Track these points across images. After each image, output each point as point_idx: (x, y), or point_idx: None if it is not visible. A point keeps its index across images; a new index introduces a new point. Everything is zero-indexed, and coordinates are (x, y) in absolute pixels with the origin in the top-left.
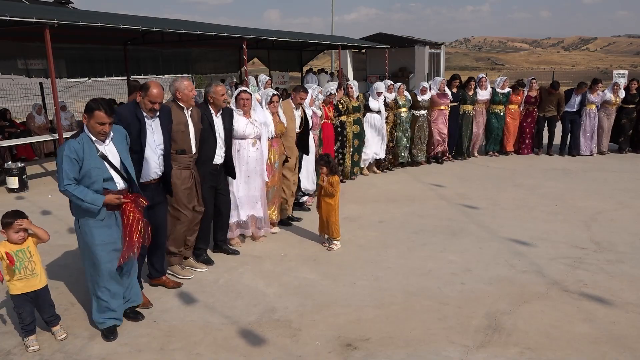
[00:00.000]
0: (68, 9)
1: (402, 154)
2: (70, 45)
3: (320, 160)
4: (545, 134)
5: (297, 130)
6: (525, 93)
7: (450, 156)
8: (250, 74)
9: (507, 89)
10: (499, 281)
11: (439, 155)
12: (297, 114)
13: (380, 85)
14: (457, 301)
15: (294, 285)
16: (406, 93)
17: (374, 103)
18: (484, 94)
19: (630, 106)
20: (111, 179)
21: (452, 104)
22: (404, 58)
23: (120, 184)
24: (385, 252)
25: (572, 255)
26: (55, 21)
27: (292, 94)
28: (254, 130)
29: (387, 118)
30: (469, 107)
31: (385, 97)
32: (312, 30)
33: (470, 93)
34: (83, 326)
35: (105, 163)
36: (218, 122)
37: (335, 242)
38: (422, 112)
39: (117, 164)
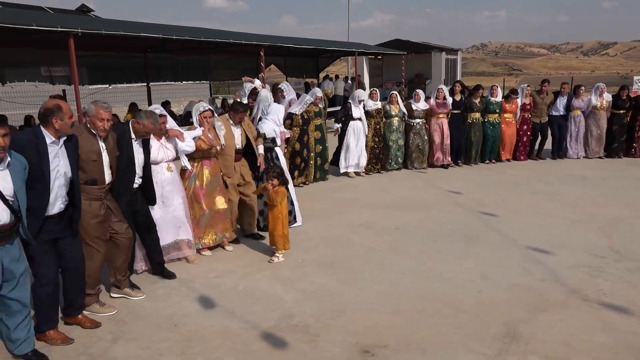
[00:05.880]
0: (90, 17)
1: (391, 162)
2: (92, 53)
3: (272, 172)
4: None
5: (239, 146)
6: (520, 101)
7: (460, 162)
8: (267, 80)
9: (499, 98)
10: (516, 289)
11: (443, 162)
12: (237, 130)
13: (361, 93)
14: (474, 308)
15: (310, 291)
16: (400, 103)
17: (356, 111)
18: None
19: (621, 111)
20: None
21: (455, 111)
22: (420, 64)
23: (4, 217)
24: (402, 258)
25: (592, 264)
26: (79, 30)
27: (230, 113)
28: (166, 155)
29: (368, 125)
30: (477, 115)
31: (364, 105)
32: (328, 36)
33: (477, 101)
34: (107, 329)
35: None
36: (137, 148)
37: (277, 254)
38: (418, 120)
39: (7, 194)
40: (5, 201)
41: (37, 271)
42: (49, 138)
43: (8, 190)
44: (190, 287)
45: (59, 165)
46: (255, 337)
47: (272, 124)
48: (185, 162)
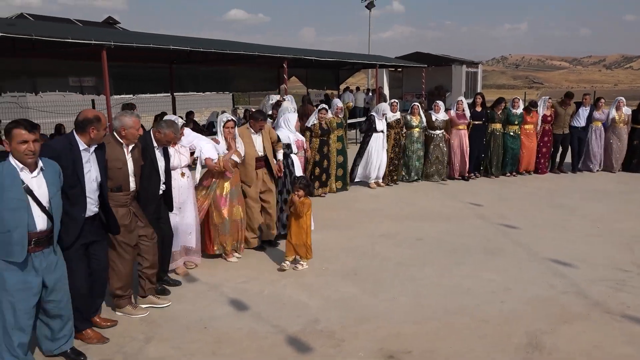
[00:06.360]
0: (118, 30)
1: (411, 173)
2: (117, 63)
3: (298, 183)
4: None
5: (260, 154)
6: (541, 113)
7: (476, 174)
8: (289, 91)
9: (520, 110)
10: (539, 301)
11: (462, 173)
12: (257, 138)
13: (385, 107)
14: (497, 319)
15: (335, 299)
16: (421, 114)
17: (379, 124)
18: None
19: None
20: (31, 216)
21: (477, 122)
22: (440, 77)
23: (41, 223)
24: (424, 269)
25: (614, 278)
26: (112, 43)
27: (250, 121)
28: (181, 161)
29: (388, 136)
30: (497, 126)
31: (386, 116)
32: (346, 48)
33: (499, 113)
34: (139, 330)
35: (29, 198)
36: (159, 155)
37: (302, 262)
38: (438, 131)
39: (43, 200)
40: (43, 208)
41: (71, 274)
42: (81, 145)
43: (44, 196)
44: (218, 291)
45: (91, 171)
46: (282, 340)
47: (286, 130)
48: (197, 174)
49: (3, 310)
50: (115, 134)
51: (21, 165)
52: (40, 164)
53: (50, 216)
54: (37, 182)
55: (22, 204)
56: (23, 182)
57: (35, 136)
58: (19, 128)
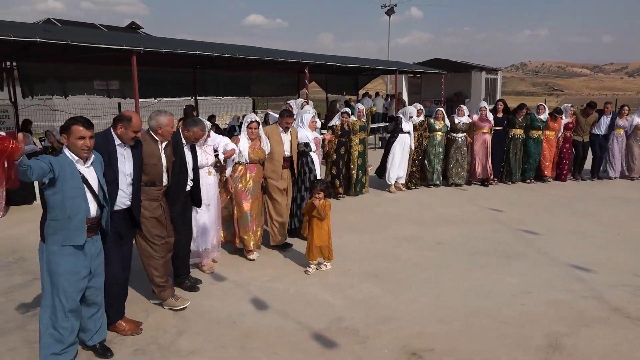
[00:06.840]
0: (144, 36)
1: (432, 176)
2: (142, 68)
3: (318, 185)
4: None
5: (287, 154)
6: (564, 120)
7: (495, 180)
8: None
9: (544, 116)
10: (558, 304)
11: (484, 179)
12: (286, 137)
13: (412, 110)
14: (517, 321)
15: (358, 299)
16: (445, 118)
17: (406, 125)
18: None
19: None
20: (86, 203)
21: (497, 128)
22: (459, 83)
23: (93, 210)
24: (445, 272)
25: (633, 283)
26: (142, 48)
27: (278, 119)
28: (207, 160)
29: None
30: (518, 132)
31: (412, 118)
32: (364, 53)
33: (520, 119)
34: (172, 324)
35: (85, 186)
36: (187, 152)
37: (326, 262)
38: (460, 135)
39: (95, 188)
40: (95, 195)
41: (108, 260)
42: (116, 140)
43: (95, 185)
44: (244, 289)
45: (125, 166)
46: (308, 336)
47: (304, 130)
48: (229, 169)
49: (59, 294)
50: (151, 132)
51: (76, 158)
52: (92, 156)
53: (100, 204)
54: (89, 172)
55: (80, 192)
56: (79, 172)
57: (91, 133)
58: (78, 125)
